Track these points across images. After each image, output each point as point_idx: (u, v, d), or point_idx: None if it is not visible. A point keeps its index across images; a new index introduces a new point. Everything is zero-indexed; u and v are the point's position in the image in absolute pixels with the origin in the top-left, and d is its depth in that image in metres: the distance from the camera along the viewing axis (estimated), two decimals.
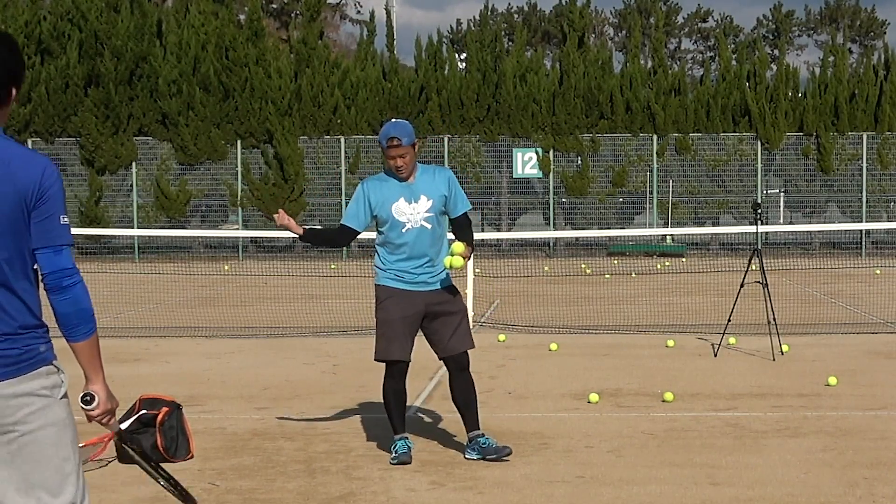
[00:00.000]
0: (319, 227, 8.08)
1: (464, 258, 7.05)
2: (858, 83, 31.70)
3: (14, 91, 3.68)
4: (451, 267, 7.07)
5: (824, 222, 31.06)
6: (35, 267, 3.62)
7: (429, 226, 7.10)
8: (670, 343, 12.57)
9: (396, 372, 7.18)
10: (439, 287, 7.15)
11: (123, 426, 7.10)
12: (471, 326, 7.51)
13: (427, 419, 8.63)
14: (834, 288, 20.47)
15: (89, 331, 3.66)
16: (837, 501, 6.21)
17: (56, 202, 3.57)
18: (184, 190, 31.74)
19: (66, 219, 3.60)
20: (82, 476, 3.80)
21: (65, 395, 3.71)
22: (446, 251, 7.23)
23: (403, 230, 7.06)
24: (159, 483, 4.41)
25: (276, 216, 7.23)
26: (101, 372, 3.74)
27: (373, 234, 7.54)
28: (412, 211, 7.08)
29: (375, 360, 7.20)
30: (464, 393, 7.24)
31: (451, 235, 7.31)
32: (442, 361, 7.36)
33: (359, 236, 7.39)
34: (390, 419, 7.26)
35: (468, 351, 7.24)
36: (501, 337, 13.28)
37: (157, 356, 12.22)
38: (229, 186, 31.92)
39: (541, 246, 32.47)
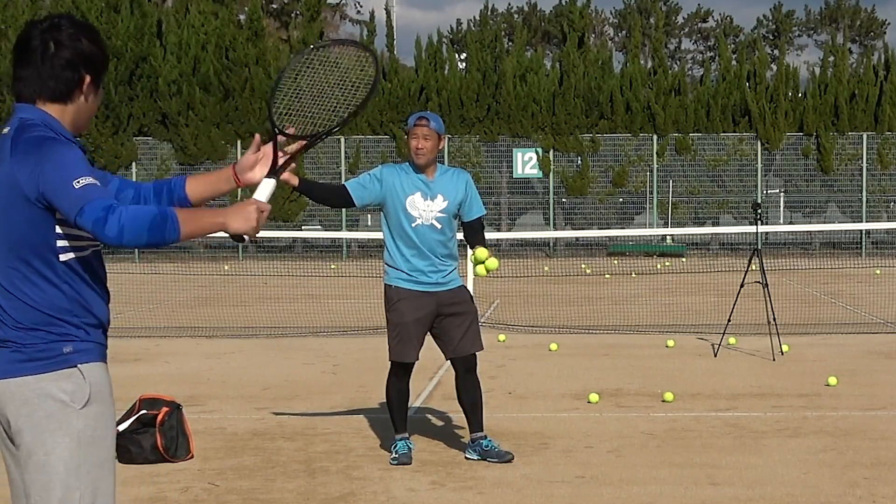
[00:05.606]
0: (314, 181, 7.72)
1: (494, 258, 7.08)
2: (858, 83, 31.72)
3: (88, 79, 3.42)
4: (487, 272, 7.07)
5: (824, 222, 31.10)
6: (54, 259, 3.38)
7: (438, 225, 7.06)
8: (670, 343, 12.56)
9: (403, 371, 7.17)
10: (451, 287, 7.14)
11: (123, 426, 7.12)
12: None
13: (427, 419, 8.63)
14: (834, 288, 20.46)
15: (166, 230, 3.23)
16: (837, 501, 6.21)
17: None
18: None
19: (79, 181, 3.24)
20: None
21: (86, 405, 3.36)
22: (457, 255, 7.24)
23: (413, 224, 7.02)
24: None
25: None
26: (221, 216, 3.34)
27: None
28: (426, 208, 7.03)
29: (390, 360, 7.17)
30: (470, 394, 7.23)
31: (459, 236, 7.30)
32: (448, 361, 7.35)
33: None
34: (392, 418, 7.25)
35: (476, 353, 7.23)
36: (501, 337, 13.28)
37: (157, 356, 12.22)
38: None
39: (541, 246, 32.48)
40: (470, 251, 7.24)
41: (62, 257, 3.37)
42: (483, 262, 7.02)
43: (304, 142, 3.69)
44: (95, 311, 3.48)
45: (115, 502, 3.43)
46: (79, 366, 3.38)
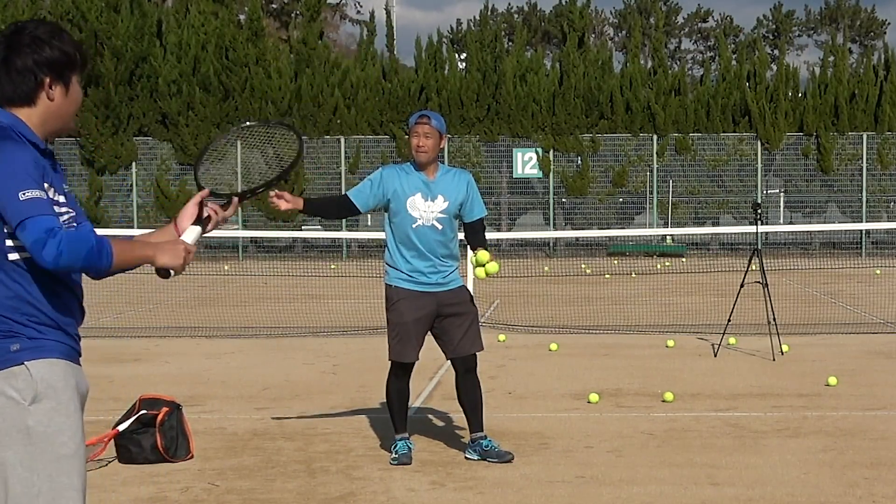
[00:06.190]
0: (318, 198, 7.81)
1: (495, 262, 7.08)
2: (858, 83, 31.71)
3: (47, 80, 3.45)
4: (487, 275, 7.07)
5: (824, 222, 31.10)
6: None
7: (439, 226, 7.06)
8: (670, 343, 12.57)
9: (403, 371, 7.17)
10: (451, 288, 7.14)
11: (123, 426, 7.12)
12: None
13: (427, 419, 8.63)
14: (834, 288, 20.46)
15: (102, 259, 3.33)
16: (837, 501, 6.21)
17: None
18: (184, 190, 31.74)
19: (26, 194, 3.27)
20: None
21: (35, 402, 3.35)
22: (458, 255, 7.24)
23: (413, 225, 7.02)
24: None
25: (274, 201, 6.67)
26: (150, 250, 3.51)
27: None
28: (426, 208, 7.04)
29: (390, 360, 7.18)
30: (470, 394, 7.23)
31: (461, 235, 7.29)
32: (448, 361, 7.35)
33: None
34: (392, 418, 7.26)
35: (476, 353, 7.23)
36: (501, 337, 13.28)
37: (157, 356, 12.22)
38: (230, 187, 31.92)
39: (541, 246, 32.48)
40: (471, 252, 7.24)
41: (10, 256, 3.37)
42: (484, 266, 7.03)
43: (235, 199, 4.17)
44: (48, 311, 3.42)
45: (84, 498, 3.41)
46: (26, 363, 3.35)
